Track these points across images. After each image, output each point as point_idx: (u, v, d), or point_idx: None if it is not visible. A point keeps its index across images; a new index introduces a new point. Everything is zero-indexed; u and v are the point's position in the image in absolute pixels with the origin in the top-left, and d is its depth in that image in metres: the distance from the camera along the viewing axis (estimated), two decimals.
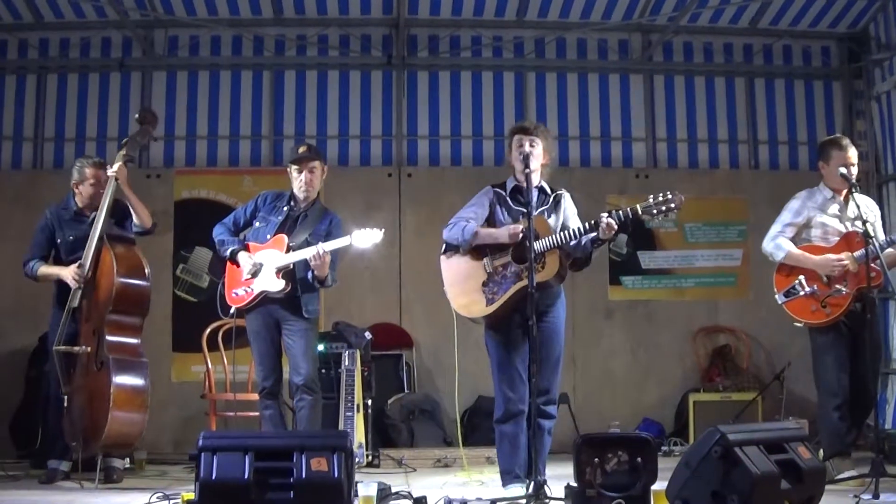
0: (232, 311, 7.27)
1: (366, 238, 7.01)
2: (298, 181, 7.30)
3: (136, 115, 8.00)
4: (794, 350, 8.68)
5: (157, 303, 8.42)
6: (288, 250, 7.12)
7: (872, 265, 6.56)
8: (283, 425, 7.38)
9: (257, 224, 7.40)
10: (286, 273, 7.10)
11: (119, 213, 7.68)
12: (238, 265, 7.23)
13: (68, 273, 7.42)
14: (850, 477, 6.59)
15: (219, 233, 7.43)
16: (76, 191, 7.75)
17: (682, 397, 10.20)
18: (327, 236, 7.22)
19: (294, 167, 7.33)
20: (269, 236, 7.25)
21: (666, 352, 10.67)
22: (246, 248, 7.28)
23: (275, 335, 7.26)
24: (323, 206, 7.53)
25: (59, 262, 7.69)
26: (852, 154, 7.07)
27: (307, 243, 7.11)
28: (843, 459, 6.83)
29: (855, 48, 11.13)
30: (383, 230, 7.03)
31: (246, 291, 7.19)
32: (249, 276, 7.16)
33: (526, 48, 11.09)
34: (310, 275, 7.09)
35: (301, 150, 7.42)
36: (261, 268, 7.13)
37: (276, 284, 7.07)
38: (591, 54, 11.19)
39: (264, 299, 7.15)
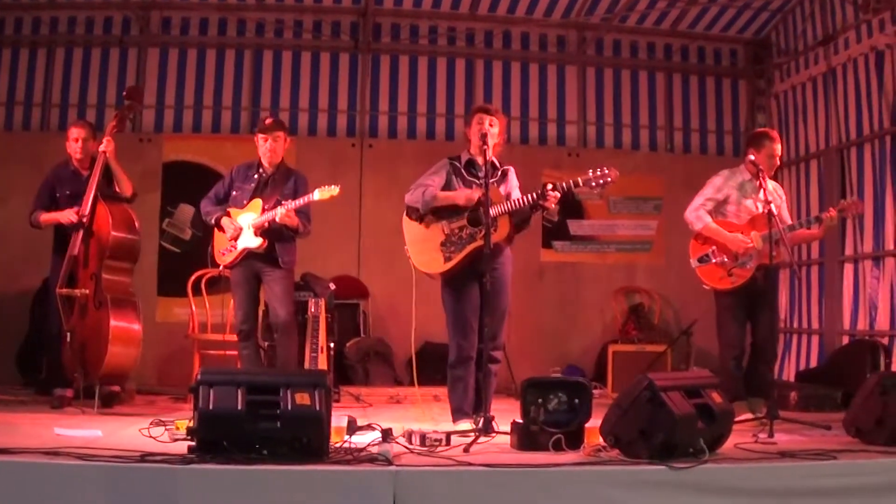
0: (220, 268, 7.42)
1: (325, 192, 7.09)
2: (263, 148, 7.39)
3: (124, 92, 7.97)
4: (699, 310, 8.79)
5: (145, 252, 8.33)
6: (263, 212, 7.22)
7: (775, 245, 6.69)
8: (260, 363, 7.51)
9: (234, 193, 7.47)
10: (263, 231, 7.20)
11: (109, 175, 7.67)
12: (223, 229, 7.33)
13: (66, 214, 7.45)
14: (748, 419, 6.69)
15: (204, 205, 7.54)
16: (68, 150, 7.79)
17: (602, 347, 10.30)
18: (295, 193, 7.32)
19: (261, 136, 7.42)
20: (245, 201, 7.35)
21: (589, 308, 10.83)
22: (227, 214, 7.36)
23: (254, 286, 7.37)
24: (287, 166, 7.60)
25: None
26: (778, 146, 7.25)
27: (278, 202, 7.20)
28: (739, 404, 6.92)
29: (759, 52, 11.30)
30: (339, 186, 7.07)
31: (230, 250, 7.30)
32: (232, 237, 7.26)
33: (477, 39, 11.09)
34: (284, 228, 7.21)
35: (268, 121, 7.54)
36: (241, 229, 7.23)
37: (255, 241, 7.20)
38: (532, 46, 11.25)
39: (247, 255, 7.25)
